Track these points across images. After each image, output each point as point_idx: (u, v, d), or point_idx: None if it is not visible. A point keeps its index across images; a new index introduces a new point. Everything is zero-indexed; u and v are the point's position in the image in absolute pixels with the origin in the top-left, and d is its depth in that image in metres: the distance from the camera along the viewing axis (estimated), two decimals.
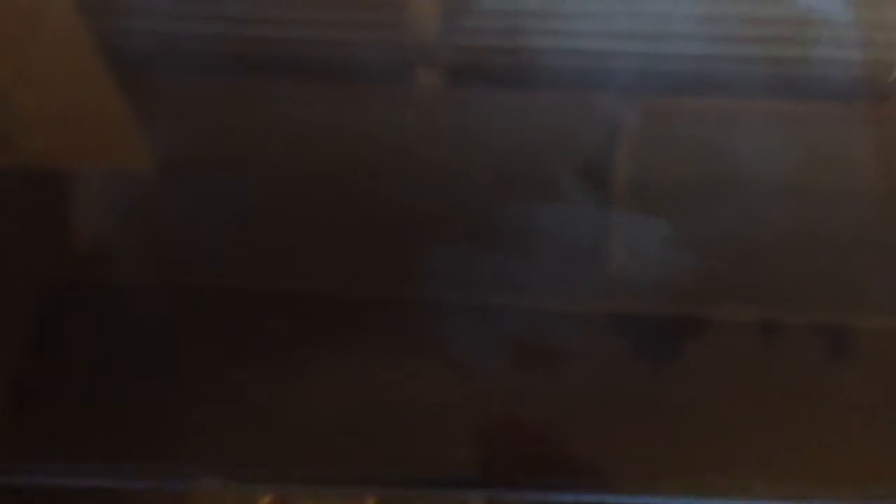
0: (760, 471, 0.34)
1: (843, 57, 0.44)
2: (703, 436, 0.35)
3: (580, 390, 0.35)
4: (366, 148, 0.42)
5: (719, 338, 0.37)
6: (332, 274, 0.39)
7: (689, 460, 0.34)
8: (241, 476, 0.31)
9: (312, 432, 0.34)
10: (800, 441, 0.35)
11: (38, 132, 0.42)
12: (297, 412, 0.35)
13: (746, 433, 0.35)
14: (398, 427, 0.35)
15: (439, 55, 0.45)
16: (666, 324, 0.37)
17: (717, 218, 0.39)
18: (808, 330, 0.37)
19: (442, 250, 0.38)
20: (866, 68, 0.44)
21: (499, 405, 0.35)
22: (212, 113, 0.43)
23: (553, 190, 0.40)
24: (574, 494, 0.32)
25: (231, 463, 0.33)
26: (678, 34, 0.45)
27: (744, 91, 0.43)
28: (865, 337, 0.37)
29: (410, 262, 0.38)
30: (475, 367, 0.36)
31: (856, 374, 0.36)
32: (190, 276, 0.38)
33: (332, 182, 0.41)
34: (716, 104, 0.44)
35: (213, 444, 0.34)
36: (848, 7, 0.45)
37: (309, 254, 0.39)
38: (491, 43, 0.46)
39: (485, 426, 0.34)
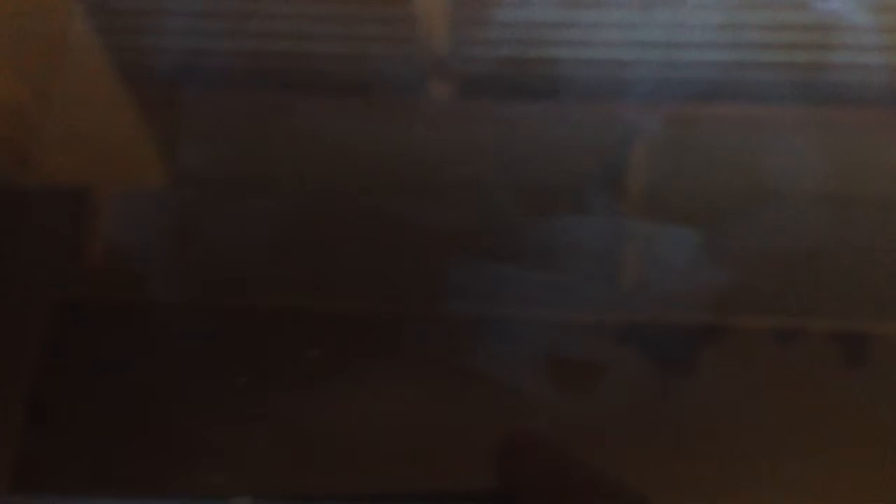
0: (788, 485, 0.34)
1: (865, 62, 0.44)
2: (730, 448, 0.35)
3: (602, 404, 0.35)
4: (378, 163, 0.42)
5: (745, 350, 0.37)
6: (347, 290, 0.39)
7: (717, 473, 0.34)
8: (272, 495, 0.31)
9: (344, 451, 0.34)
10: (828, 452, 0.35)
11: (59, 151, 0.42)
12: (327, 431, 0.35)
13: (775, 446, 0.35)
14: (429, 445, 0.35)
15: (453, 68, 0.45)
16: (690, 335, 0.37)
17: (741, 228, 0.39)
18: (834, 340, 0.37)
19: (457, 265, 0.38)
20: (889, 73, 0.44)
21: (526, 420, 0.35)
22: (227, 129, 0.43)
23: (571, 202, 0.40)
24: None
25: (262, 482, 0.33)
26: (694, 42, 0.45)
27: (765, 98, 0.43)
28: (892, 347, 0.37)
29: (423, 276, 0.38)
30: (502, 382, 0.36)
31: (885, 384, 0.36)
32: (210, 295, 0.38)
33: (347, 197, 0.41)
34: (736, 112, 0.44)
35: (244, 464, 0.34)
36: (870, 11, 0.45)
37: (324, 271, 0.39)
38: (504, 55, 0.46)
39: (515, 442, 0.34)
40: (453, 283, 0.38)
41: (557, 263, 0.38)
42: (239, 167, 0.42)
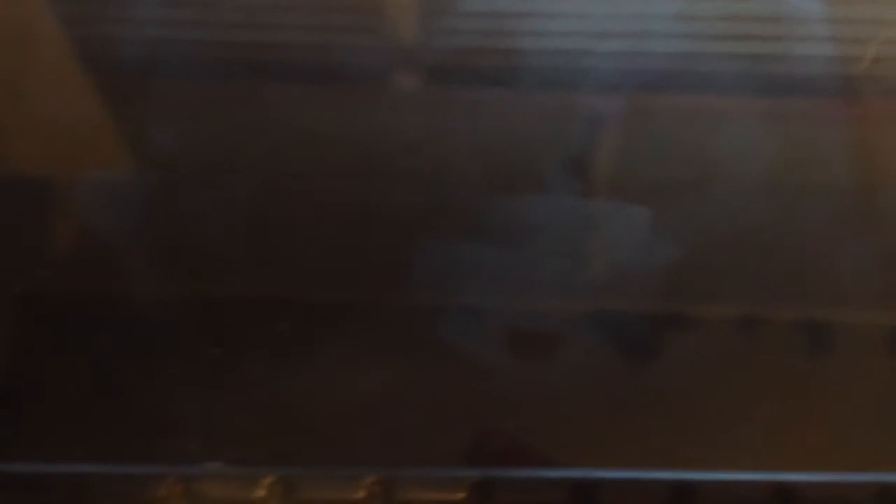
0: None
1: (818, 53, 0.45)
2: (689, 431, 0.35)
3: (564, 385, 0.36)
4: (348, 150, 0.42)
5: (705, 334, 0.37)
6: (316, 276, 0.39)
7: (675, 456, 0.35)
8: (243, 459, 0.32)
9: (312, 418, 0.35)
10: (784, 437, 0.35)
11: (29, 141, 0.43)
12: (297, 400, 0.35)
13: (734, 429, 0.35)
14: (395, 414, 0.35)
15: (419, 57, 0.46)
16: (652, 321, 0.38)
17: (700, 214, 0.40)
18: (792, 326, 0.37)
19: (424, 251, 0.39)
20: (841, 64, 0.45)
21: (488, 396, 0.36)
22: (198, 118, 0.43)
23: (536, 189, 0.40)
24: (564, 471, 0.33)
25: (233, 447, 0.34)
26: (656, 32, 0.46)
27: (722, 88, 0.44)
28: (851, 332, 0.37)
29: (391, 262, 0.39)
30: (465, 358, 0.36)
31: (842, 369, 0.37)
32: (177, 280, 0.39)
33: (314, 184, 0.41)
34: (696, 102, 0.44)
35: (216, 430, 0.34)
36: (822, 3, 0.46)
37: (293, 257, 0.39)
38: (470, 44, 0.46)
39: (476, 414, 0.35)
40: (420, 267, 0.38)
41: (522, 248, 0.39)
42: (206, 155, 0.42)
